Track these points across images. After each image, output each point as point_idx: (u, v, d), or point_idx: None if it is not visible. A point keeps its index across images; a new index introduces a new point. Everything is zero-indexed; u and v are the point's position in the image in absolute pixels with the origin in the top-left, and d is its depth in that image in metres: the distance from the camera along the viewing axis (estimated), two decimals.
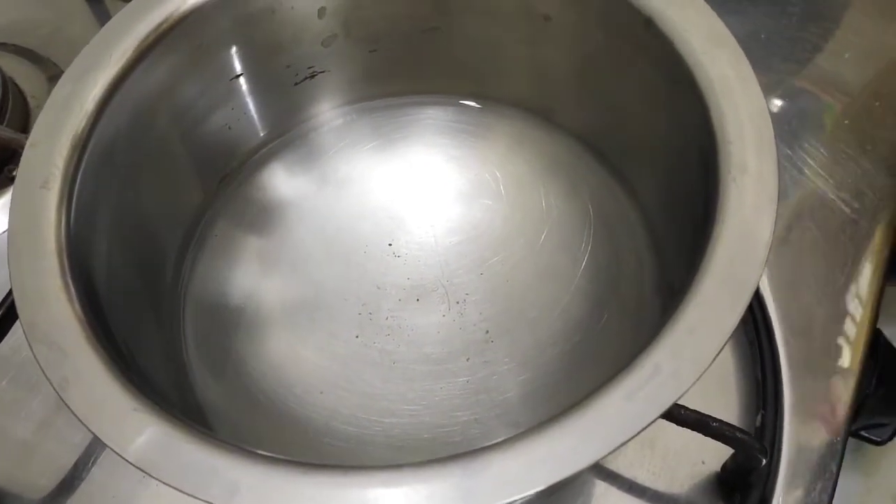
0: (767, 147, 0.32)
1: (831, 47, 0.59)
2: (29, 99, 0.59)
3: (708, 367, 0.27)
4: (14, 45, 0.63)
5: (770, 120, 0.33)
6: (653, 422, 0.26)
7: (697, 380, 0.27)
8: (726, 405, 0.44)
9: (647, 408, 0.27)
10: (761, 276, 0.29)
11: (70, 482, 0.45)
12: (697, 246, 0.31)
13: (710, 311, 0.29)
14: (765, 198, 0.31)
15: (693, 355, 0.28)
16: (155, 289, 0.46)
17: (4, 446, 0.46)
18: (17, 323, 0.41)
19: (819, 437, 0.43)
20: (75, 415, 0.29)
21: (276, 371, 0.45)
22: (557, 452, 0.26)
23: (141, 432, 0.28)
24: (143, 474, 0.28)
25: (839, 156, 0.54)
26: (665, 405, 0.26)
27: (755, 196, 0.31)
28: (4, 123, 0.55)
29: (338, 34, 0.49)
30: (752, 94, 0.34)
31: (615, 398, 0.27)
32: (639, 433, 0.26)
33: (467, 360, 0.44)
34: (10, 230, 0.34)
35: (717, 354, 0.28)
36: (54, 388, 0.30)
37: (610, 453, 0.26)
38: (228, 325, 0.47)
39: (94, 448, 0.45)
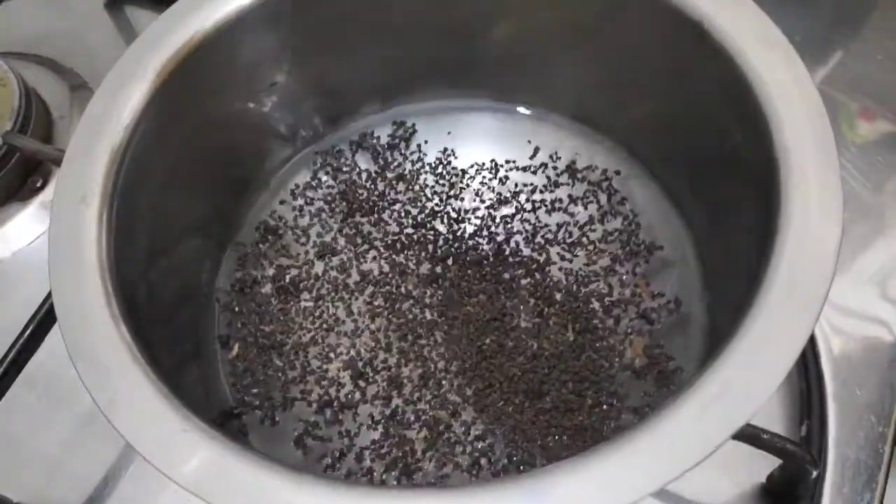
0: (829, 152, 0.32)
1: (862, 49, 0.58)
2: (52, 109, 0.59)
3: (780, 383, 0.26)
4: (36, 55, 0.63)
5: (830, 124, 0.32)
6: (725, 441, 0.25)
7: (770, 396, 0.26)
8: (769, 416, 0.43)
9: (720, 426, 0.26)
10: (831, 286, 0.28)
11: (98, 498, 0.44)
12: (759, 256, 0.30)
13: (779, 324, 0.28)
14: (830, 205, 0.30)
15: (764, 371, 0.27)
16: (190, 299, 0.46)
17: (33, 462, 0.45)
18: (47, 337, 0.42)
19: (865, 446, 0.42)
20: (124, 438, 0.28)
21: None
22: (627, 475, 0.25)
23: (192, 455, 0.28)
24: (174, 490, 0.27)
25: (872, 156, 0.53)
26: (738, 423, 0.26)
27: (820, 203, 0.30)
28: (28, 134, 0.54)
29: (376, 39, 0.49)
30: (809, 97, 0.33)
31: (685, 417, 0.26)
32: (712, 453, 0.25)
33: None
34: (50, 248, 0.33)
35: (789, 369, 0.27)
36: (101, 410, 0.29)
37: (681, 475, 0.25)
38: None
39: (123, 463, 0.45)
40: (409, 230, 0.50)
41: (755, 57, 0.35)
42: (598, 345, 0.44)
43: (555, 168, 0.51)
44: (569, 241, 0.48)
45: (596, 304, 0.46)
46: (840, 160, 0.51)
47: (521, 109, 0.54)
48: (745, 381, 0.27)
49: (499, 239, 0.49)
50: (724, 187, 0.41)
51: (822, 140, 0.32)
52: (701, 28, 0.37)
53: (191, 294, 0.46)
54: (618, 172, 0.51)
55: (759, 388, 0.27)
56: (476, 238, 0.49)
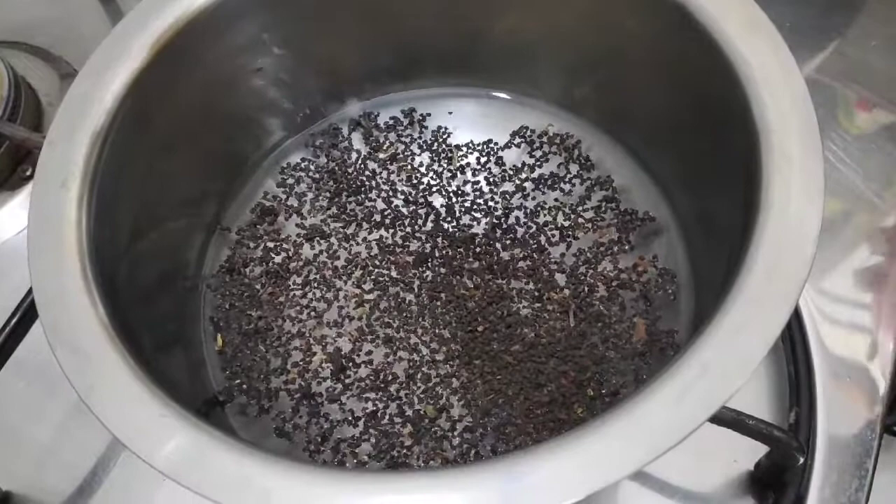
0: (812, 136, 0.31)
1: (857, 35, 0.58)
2: (41, 97, 0.59)
3: (757, 366, 0.26)
4: (26, 43, 0.62)
5: (813, 108, 0.32)
6: (702, 423, 0.25)
7: (748, 379, 0.26)
8: (757, 402, 0.43)
9: (697, 409, 0.26)
10: (810, 270, 0.28)
11: (89, 486, 0.44)
12: (740, 240, 0.30)
13: (758, 307, 0.28)
14: (812, 188, 0.30)
15: (742, 354, 0.27)
16: (176, 284, 0.46)
17: (23, 450, 0.45)
18: (36, 324, 0.42)
19: (853, 433, 0.42)
20: (102, 423, 0.28)
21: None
22: (604, 457, 0.25)
23: (170, 440, 0.28)
24: (164, 477, 0.27)
25: (867, 145, 0.53)
26: (715, 406, 0.26)
27: (801, 186, 0.30)
28: (17, 122, 0.54)
29: (363, 25, 0.48)
30: (793, 81, 0.33)
31: (662, 399, 0.26)
32: (688, 435, 0.25)
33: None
34: (29, 232, 0.33)
35: (766, 352, 0.27)
36: (79, 396, 0.29)
37: (658, 457, 0.25)
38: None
39: (114, 451, 0.45)
40: (401, 207, 0.50)
41: (739, 40, 0.35)
42: (607, 332, 0.44)
43: (548, 151, 0.51)
44: (566, 223, 0.48)
45: (602, 288, 0.45)
46: (836, 150, 0.52)
47: (509, 95, 0.53)
48: (723, 364, 0.27)
49: (496, 213, 0.49)
50: (707, 171, 0.41)
51: (805, 124, 0.32)
52: (684, 11, 0.37)
53: (176, 278, 0.46)
54: (588, 158, 0.51)
55: (737, 371, 0.26)
56: (472, 212, 0.49)
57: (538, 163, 0.51)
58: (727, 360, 0.27)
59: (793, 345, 0.44)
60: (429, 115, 0.54)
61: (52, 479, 0.44)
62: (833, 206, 0.50)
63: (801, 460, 0.38)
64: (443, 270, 0.47)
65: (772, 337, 0.27)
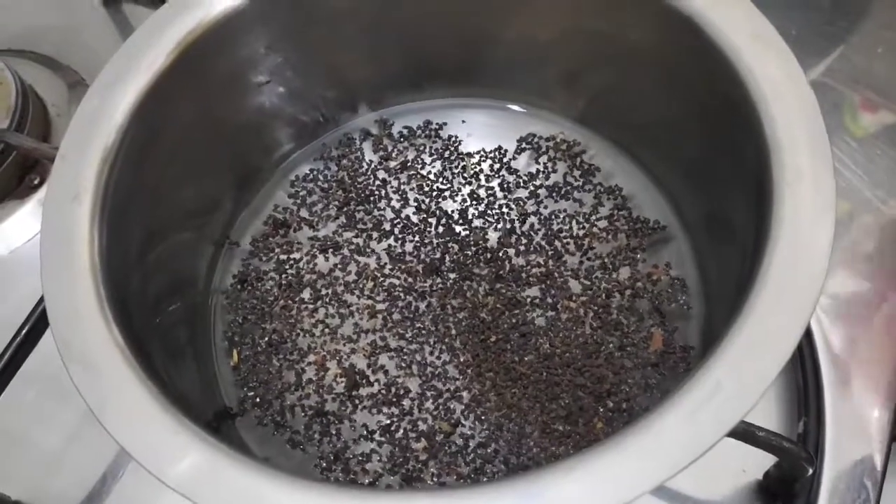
0: (822, 151, 0.31)
1: (862, 42, 0.58)
2: (49, 107, 0.59)
3: (771, 384, 0.26)
4: (32, 52, 0.63)
5: (823, 122, 0.32)
6: (718, 441, 0.25)
7: (761, 397, 0.26)
8: (766, 412, 0.43)
9: (711, 427, 0.26)
10: (822, 287, 0.28)
11: (98, 495, 0.44)
12: (752, 256, 0.30)
13: (771, 324, 0.28)
14: (822, 204, 0.30)
15: (755, 371, 0.27)
16: (186, 298, 0.46)
17: (33, 458, 0.45)
18: (47, 333, 0.42)
19: (862, 444, 0.42)
20: (116, 440, 0.28)
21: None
22: (618, 476, 0.25)
23: (183, 457, 0.28)
24: None
25: (874, 153, 0.52)
26: (730, 423, 0.26)
27: (812, 203, 0.30)
28: (25, 132, 0.54)
29: (372, 35, 0.48)
30: (802, 95, 0.33)
31: (677, 417, 0.26)
32: (705, 453, 0.25)
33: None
34: (42, 248, 0.33)
35: (780, 370, 0.27)
36: (92, 411, 0.29)
37: (674, 475, 0.25)
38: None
39: (123, 459, 0.45)
40: (412, 216, 0.49)
41: (747, 53, 0.35)
42: (624, 341, 0.44)
43: (554, 156, 0.51)
44: (580, 232, 0.48)
45: (618, 297, 0.45)
46: (840, 153, 0.52)
47: (522, 107, 0.53)
48: (737, 382, 0.27)
49: (510, 218, 0.49)
50: (715, 180, 0.41)
51: (816, 138, 0.32)
52: (693, 24, 0.37)
53: (188, 292, 0.46)
54: (594, 166, 0.51)
55: (750, 390, 0.27)
56: (486, 217, 0.49)
57: (545, 170, 0.51)
58: (741, 379, 0.27)
59: (801, 353, 0.44)
60: (445, 124, 0.54)
61: (61, 487, 0.44)
62: (840, 215, 0.49)
63: (811, 471, 0.38)
64: (452, 276, 0.47)
65: (785, 355, 0.27)
